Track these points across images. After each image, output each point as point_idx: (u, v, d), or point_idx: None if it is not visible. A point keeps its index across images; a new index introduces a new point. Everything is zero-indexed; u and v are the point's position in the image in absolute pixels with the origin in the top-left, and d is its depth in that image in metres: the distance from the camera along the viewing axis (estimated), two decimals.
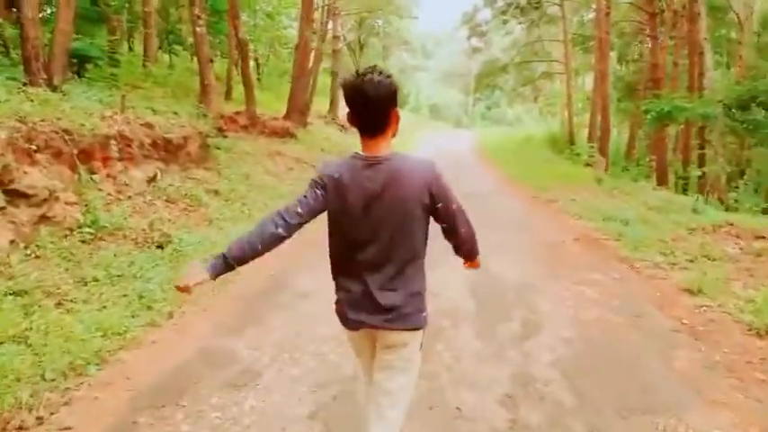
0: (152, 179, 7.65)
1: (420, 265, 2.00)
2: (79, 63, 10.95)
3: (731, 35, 22.78)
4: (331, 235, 2.05)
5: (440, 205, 1.94)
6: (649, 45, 20.85)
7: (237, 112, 15.11)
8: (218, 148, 10.93)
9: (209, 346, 3.76)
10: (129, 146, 7.44)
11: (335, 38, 22.63)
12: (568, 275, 5.32)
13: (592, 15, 26.73)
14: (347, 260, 1.98)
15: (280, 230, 1.94)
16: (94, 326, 3.78)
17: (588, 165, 18.17)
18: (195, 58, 16.01)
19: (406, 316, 1.94)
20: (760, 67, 15.94)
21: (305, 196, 1.98)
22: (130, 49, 18.45)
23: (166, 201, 7.51)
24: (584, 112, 27.96)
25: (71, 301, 4.32)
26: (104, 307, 4.15)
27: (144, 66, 16.60)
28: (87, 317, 3.99)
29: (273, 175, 11.56)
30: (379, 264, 1.92)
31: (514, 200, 10.25)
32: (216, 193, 8.71)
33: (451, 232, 2.07)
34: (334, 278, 2.08)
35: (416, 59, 47.73)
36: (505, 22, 23.58)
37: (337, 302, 2.05)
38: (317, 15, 18.79)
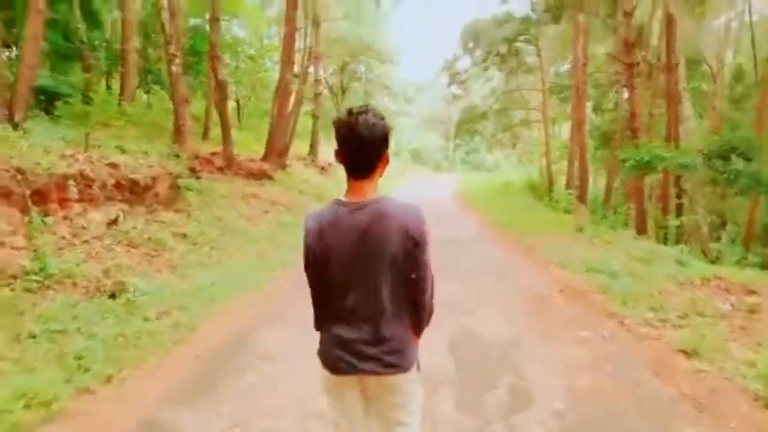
0: (113, 222, 7.19)
1: (403, 310, 1.95)
2: (47, 100, 10.61)
3: (703, 87, 23.39)
4: (314, 284, 1.99)
5: (416, 251, 1.87)
6: (626, 95, 21.31)
7: (214, 153, 14.78)
8: (190, 190, 10.51)
9: (149, 419, 3.27)
10: (90, 186, 7.02)
11: (317, 81, 22.65)
12: (556, 333, 4.95)
13: (568, 66, 27.50)
14: (333, 306, 1.93)
15: None
16: (20, 392, 3.28)
17: (567, 212, 18.20)
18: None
19: (395, 361, 1.89)
20: (735, 118, 16.21)
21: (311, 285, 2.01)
22: (108, 87, 18.17)
23: (127, 245, 7.04)
24: (562, 160, 28.30)
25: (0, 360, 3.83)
26: (35, 368, 3.65)
27: (119, 104, 16.31)
28: (15, 380, 3.49)
29: (247, 218, 11.14)
30: (367, 308, 1.87)
31: (496, 246, 9.95)
32: (183, 236, 8.26)
33: (415, 287, 1.95)
34: (320, 326, 2.03)
35: (398, 105, 48.24)
36: (486, 68, 23.90)
37: (322, 349, 1.99)
38: (298, 58, 18.79)
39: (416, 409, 2.01)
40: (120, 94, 16.94)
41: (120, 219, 7.38)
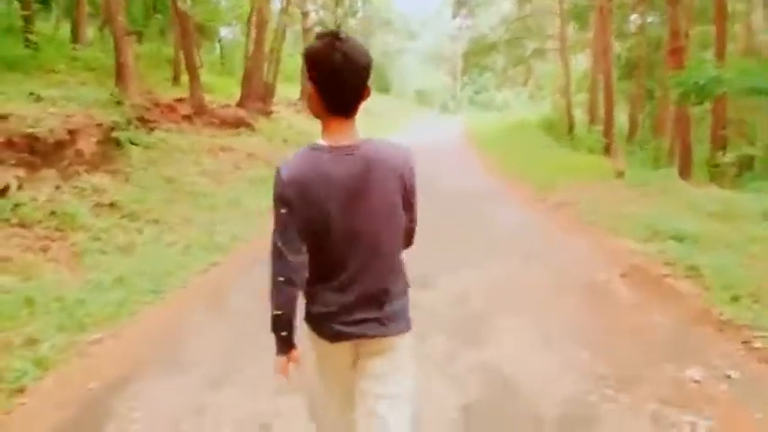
0: None
1: (401, 264, 1.80)
2: None
3: None
4: (296, 247, 1.65)
5: (411, 198, 1.74)
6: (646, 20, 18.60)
7: (179, 100, 12.62)
8: (135, 144, 8.49)
9: None
10: None
11: (305, 14, 20.07)
12: (640, 373, 2.97)
13: None
14: (328, 269, 1.68)
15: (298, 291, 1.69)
16: None
17: (592, 152, 15.98)
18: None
19: (397, 319, 1.74)
20: None
21: (284, 232, 1.63)
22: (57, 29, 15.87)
23: (15, 225, 5.10)
24: (580, 93, 25.72)
25: None
26: None
27: (74, 49, 14.10)
28: None
29: (212, 176, 9.14)
30: (371, 268, 1.67)
31: (515, 204, 7.90)
32: (110, 206, 6.32)
33: (409, 234, 1.84)
34: (309, 291, 1.73)
35: (400, 41, 45.09)
36: None
37: (314, 316, 1.73)
38: None
39: (412, 364, 1.83)
40: (73, 36, 14.72)
41: (12, 189, 5.42)
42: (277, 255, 1.65)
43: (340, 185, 1.58)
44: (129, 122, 8.87)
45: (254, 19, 13.73)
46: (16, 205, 5.27)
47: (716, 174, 11.95)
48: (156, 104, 11.58)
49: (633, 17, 24.36)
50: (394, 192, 1.65)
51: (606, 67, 18.53)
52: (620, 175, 9.39)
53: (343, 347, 1.75)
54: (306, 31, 19.88)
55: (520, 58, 25.04)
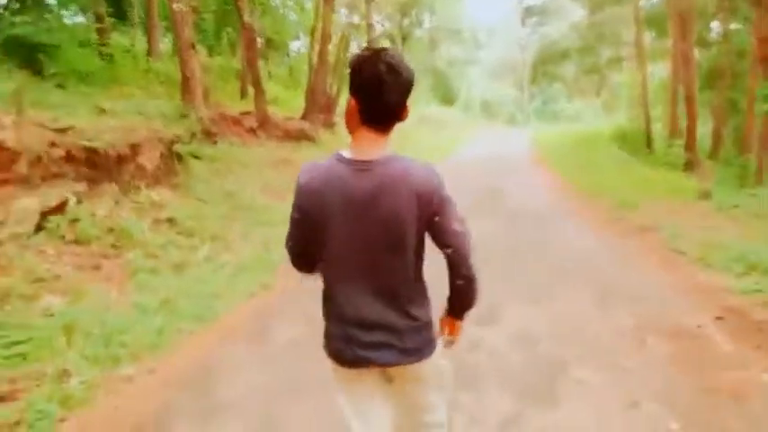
0: (56, 209, 5.25)
1: (419, 288, 1.68)
2: (27, 53, 8.79)
3: None
4: (310, 254, 1.69)
5: (437, 219, 1.58)
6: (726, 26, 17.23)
7: (245, 113, 12.77)
8: (197, 158, 8.54)
9: None
10: (15, 161, 5.07)
11: (370, 26, 20.03)
12: None
13: None
14: (337, 284, 1.66)
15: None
16: None
17: (673, 167, 14.90)
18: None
19: (418, 344, 1.65)
20: None
21: (292, 235, 1.72)
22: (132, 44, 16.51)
23: (70, 242, 5.10)
24: (657, 105, 24.25)
25: None
26: None
27: (147, 62, 14.63)
28: None
29: (273, 191, 9.06)
30: (377, 289, 1.61)
31: (589, 227, 7.27)
32: (168, 222, 6.27)
33: (453, 259, 1.63)
34: (325, 308, 1.72)
35: (467, 52, 44.47)
36: None
37: (329, 339, 1.69)
38: None
39: (447, 388, 1.81)
40: (147, 49, 15.26)
41: (71, 204, 5.44)
42: (288, 255, 1.76)
43: (350, 201, 1.55)
44: (193, 136, 8.96)
45: (318, 31, 13.72)
46: (73, 221, 5.27)
47: None
48: (223, 117, 11.75)
49: (714, 24, 22.84)
50: (406, 213, 1.55)
51: (688, 77, 17.41)
52: (707, 195, 8.56)
53: (366, 372, 1.69)
54: (371, 42, 19.81)
55: (593, 67, 23.94)
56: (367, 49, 1.63)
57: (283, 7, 21.85)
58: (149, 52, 14.98)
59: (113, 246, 5.33)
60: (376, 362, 1.63)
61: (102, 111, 7.65)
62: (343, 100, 20.82)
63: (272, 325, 3.97)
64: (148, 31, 15.11)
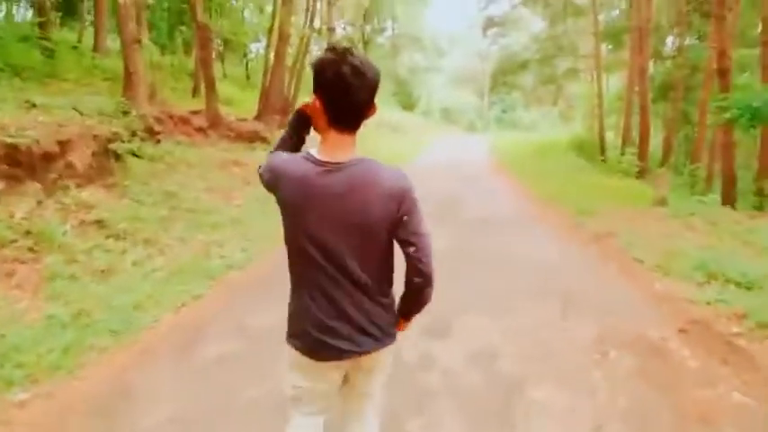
0: None
1: (384, 291, 1.70)
2: None
3: None
4: (285, 234, 1.67)
5: (405, 218, 1.59)
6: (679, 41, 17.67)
7: (195, 112, 12.20)
8: (138, 157, 7.98)
9: None
10: None
11: (330, 29, 19.67)
12: None
13: (622, 6, 23.62)
14: (302, 274, 1.67)
15: None
16: None
17: (627, 174, 15.06)
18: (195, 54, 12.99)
19: (382, 334, 1.70)
20: None
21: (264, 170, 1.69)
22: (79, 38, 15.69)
23: None
24: (613, 114, 24.71)
25: None
26: None
27: (93, 58, 13.89)
28: None
29: (218, 192, 8.57)
30: (343, 284, 1.61)
31: (549, 234, 7.08)
32: (98, 224, 5.73)
33: (413, 261, 1.64)
34: (291, 300, 1.74)
35: (429, 59, 44.61)
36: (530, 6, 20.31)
37: (294, 330, 1.72)
38: None
39: (385, 378, 1.87)
40: (93, 45, 14.51)
41: None
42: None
43: (318, 199, 1.55)
44: (133, 134, 8.37)
45: (275, 32, 13.29)
46: None
47: (765, 203, 10.97)
48: (170, 116, 11.15)
49: (670, 38, 23.48)
50: (377, 215, 1.56)
51: (643, 89, 17.72)
52: (662, 202, 8.53)
53: (327, 365, 1.70)
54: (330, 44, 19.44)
55: (551, 77, 24.22)
56: (331, 50, 1.56)
57: (242, 9, 21.29)
58: (95, 48, 14.23)
59: (31, 250, 4.78)
60: (343, 354, 1.65)
61: (33, 106, 7.02)
62: (300, 102, 20.44)
63: (199, 340, 3.54)
64: (96, 27, 14.37)
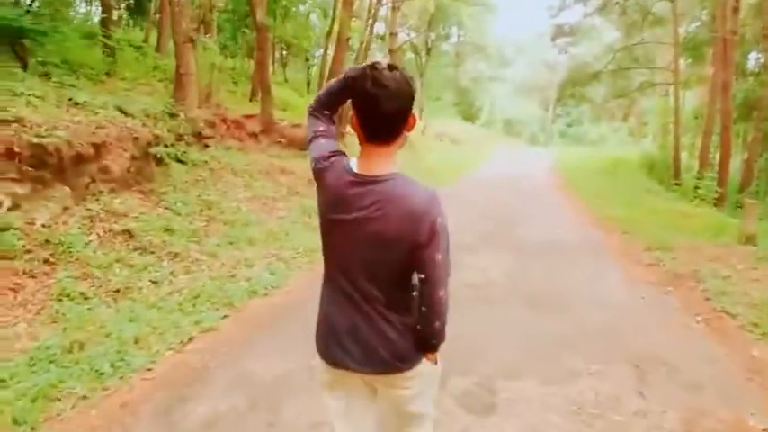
0: None
1: (401, 312, 1.64)
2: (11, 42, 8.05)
3: None
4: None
5: (424, 246, 1.53)
6: None
7: (249, 116, 11.97)
8: (182, 162, 7.71)
9: None
10: None
11: (392, 35, 19.23)
12: None
13: (705, 17, 22.03)
14: (330, 278, 1.70)
15: None
16: None
17: (704, 200, 13.74)
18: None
19: (397, 359, 1.64)
20: None
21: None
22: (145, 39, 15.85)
23: None
24: (686, 134, 23.00)
25: None
26: None
27: (155, 58, 13.97)
28: None
29: (262, 202, 8.21)
30: (362, 298, 1.61)
31: (614, 271, 6.24)
32: (124, 235, 5.41)
33: (423, 285, 1.59)
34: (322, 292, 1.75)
35: (493, 69, 43.58)
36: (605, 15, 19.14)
37: (319, 333, 1.73)
38: (365, 2, 15.48)
39: (431, 393, 1.79)
40: (157, 46, 14.62)
41: (2, 209, 4.62)
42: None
43: (346, 210, 1.57)
44: (179, 137, 8.14)
45: (334, 35, 12.92)
46: (2, 230, 4.43)
47: None
48: (223, 119, 10.96)
49: (753, 54, 21.69)
50: (394, 233, 1.52)
51: (726, 107, 16.30)
52: (751, 239, 7.48)
53: (350, 375, 1.69)
54: (392, 52, 19.00)
55: (624, 90, 22.83)
56: (358, 65, 1.60)
57: (308, 13, 21.18)
58: (158, 48, 14.33)
59: (46, 261, 4.48)
60: (358, 368, 1.63)
61: (75, 104, 6.84)
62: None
63: (191, 395, 3.02)
64: (159, 26, 14.47)
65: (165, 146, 7.41)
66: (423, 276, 1.56)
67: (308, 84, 22.78)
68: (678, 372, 3.50)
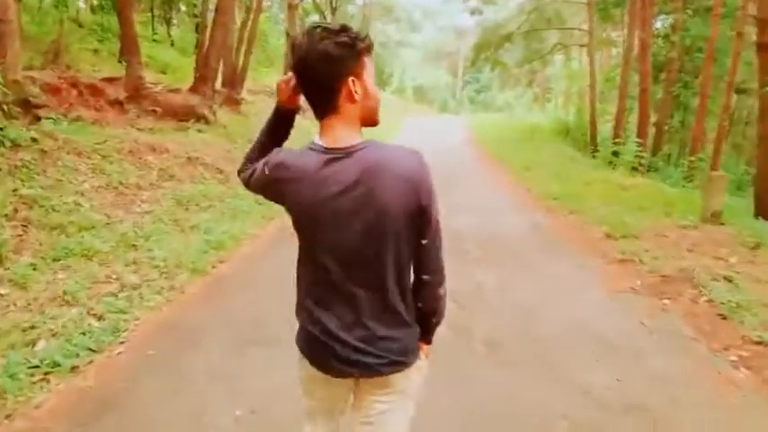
0: None
1: (404, 296, 1.44)
2: None
3: None
4: (299, 243, 1.49)
5: (427, 212, 1.37)
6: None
7: (110, 79, 9.57)
8: None
9: None
10: None
11: None
12: None
13: None
14: (311, 280, 1.48)
15: None
16: None
17: (634, 168, 13.02)
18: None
19: (401, 355, 1.45)
20: None
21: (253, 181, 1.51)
22: None
23: None
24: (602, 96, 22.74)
25: None
26: None
27: None
28: None
29: (120, 195, 6.13)
30: (358, 292, 1.40)
31: (584, 273, 4.88)
32: None
33: (424, 256, 1.43)
34: (298, 299, 1.53)
35: (401, 33, 41.99)
36: None
37: (303, 337, 1.53)
38: None
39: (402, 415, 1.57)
40: None
41: None
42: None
43: (326, 190, 1.33)
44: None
45: None
46: None
47: None
48: (73, 83, 8.55)
49: (662, 17, 21.58)
50: (394, 207, 1.32)
51: (644, 69, 15.78)
52: (715, 217, 6.47)
53: (337, 380, 1.53)
54: (291, 7, 16.77)
55: (538, 52, 22.01)
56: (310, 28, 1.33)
57: None
58: None
59: None
60: (353, 371, 1.46)
61: None
62: (263, 74, 17.76)
63: None
64: None
65: None
66: (425, 241, 1.39)
67: (197, 44, 20.01)
68: (682, 401, 2.13)
